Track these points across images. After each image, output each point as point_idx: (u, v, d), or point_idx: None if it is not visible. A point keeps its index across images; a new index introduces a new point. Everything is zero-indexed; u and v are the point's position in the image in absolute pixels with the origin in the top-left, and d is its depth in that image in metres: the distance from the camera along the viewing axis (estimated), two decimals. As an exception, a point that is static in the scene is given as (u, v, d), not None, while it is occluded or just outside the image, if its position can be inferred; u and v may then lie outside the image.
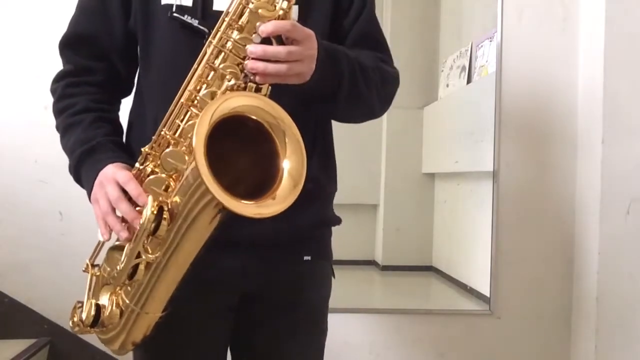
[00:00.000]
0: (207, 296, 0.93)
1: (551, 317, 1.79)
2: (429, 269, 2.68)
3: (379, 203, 2.80)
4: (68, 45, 1.01)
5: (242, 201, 0.75)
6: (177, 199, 0.79)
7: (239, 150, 0.83)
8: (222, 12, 0.87)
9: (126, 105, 1.06)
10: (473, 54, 2.32)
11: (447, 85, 2.59)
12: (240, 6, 0.82)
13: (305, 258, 1.00)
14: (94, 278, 0.90)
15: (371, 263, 2.83)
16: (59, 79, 1.01)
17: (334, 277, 1.09)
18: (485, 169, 1.88)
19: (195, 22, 0.91)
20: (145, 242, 0.80)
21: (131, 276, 0.82)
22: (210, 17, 0.91)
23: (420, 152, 2.76)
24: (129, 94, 1.06)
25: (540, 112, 1.80)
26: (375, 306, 2.06)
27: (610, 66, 1.65)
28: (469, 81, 2.34)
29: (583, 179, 1.76)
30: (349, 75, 0.92)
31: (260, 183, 0.80)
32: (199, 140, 0.73)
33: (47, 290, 1.72)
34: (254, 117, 0.80)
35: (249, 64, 0.80)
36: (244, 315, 1.00)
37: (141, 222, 0.78)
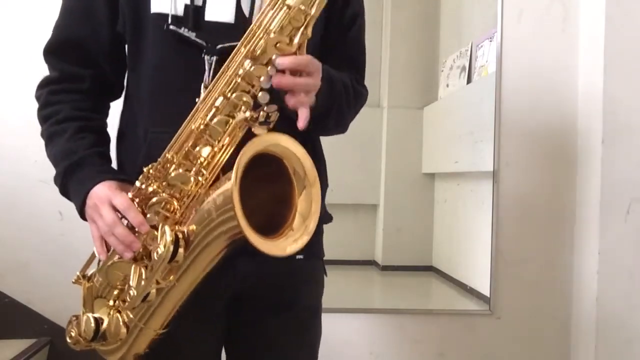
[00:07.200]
0: (196, 299, 0.92)
1: (551, 317, 1.80)
2: (429, 269, 2.68)
3: (379, 203, 2.80)
4: (52, 52, 0.97)
5: (265, 238, 0.80)
6: (193, 227, 0.81)
7: (258, 185, 0.84)
8: (214, 22, 0.89)
9: (115, 109, 1.03)
10: (473, 54, 2.32)
11: (447, 85, 2.59)
12: (259, 39, 0.82)
13: (298, 257, 0.98)
14: (86, 290, 0.89)
15: (371, 263, 2.83)
16: (43, 85, 0.97)
17: (326, 275, 1.08)
18: (485, 169, 1.88)
19: (192, 36, 0.89)
20: (164, 270, 0.81)
21: (144, 299, 0.83)
22: (203, 27, 0.90)
23: (420, 152, 2.76)
24: (119, 96, 1.03)
25: (540, 112, 1.80)
26: (375, 306, 2.06)
27: (610, 66, 1.65)
28: (469, 81, 2.34)
29: (583, 179, 1.76)
30: (341, 98, 0.96)
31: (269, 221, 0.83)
32: (236, 178, 0.76)
33: (47, 290, 1.72)
34: (285, 163, 0.84)
35: (290, 100, 0.83)
36: (235, 315, 0.99)
37: (160, 252, 0.80)
